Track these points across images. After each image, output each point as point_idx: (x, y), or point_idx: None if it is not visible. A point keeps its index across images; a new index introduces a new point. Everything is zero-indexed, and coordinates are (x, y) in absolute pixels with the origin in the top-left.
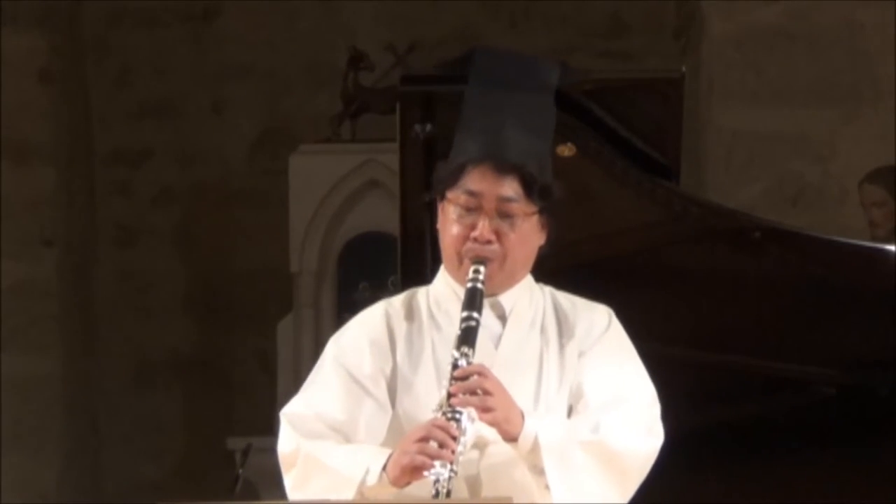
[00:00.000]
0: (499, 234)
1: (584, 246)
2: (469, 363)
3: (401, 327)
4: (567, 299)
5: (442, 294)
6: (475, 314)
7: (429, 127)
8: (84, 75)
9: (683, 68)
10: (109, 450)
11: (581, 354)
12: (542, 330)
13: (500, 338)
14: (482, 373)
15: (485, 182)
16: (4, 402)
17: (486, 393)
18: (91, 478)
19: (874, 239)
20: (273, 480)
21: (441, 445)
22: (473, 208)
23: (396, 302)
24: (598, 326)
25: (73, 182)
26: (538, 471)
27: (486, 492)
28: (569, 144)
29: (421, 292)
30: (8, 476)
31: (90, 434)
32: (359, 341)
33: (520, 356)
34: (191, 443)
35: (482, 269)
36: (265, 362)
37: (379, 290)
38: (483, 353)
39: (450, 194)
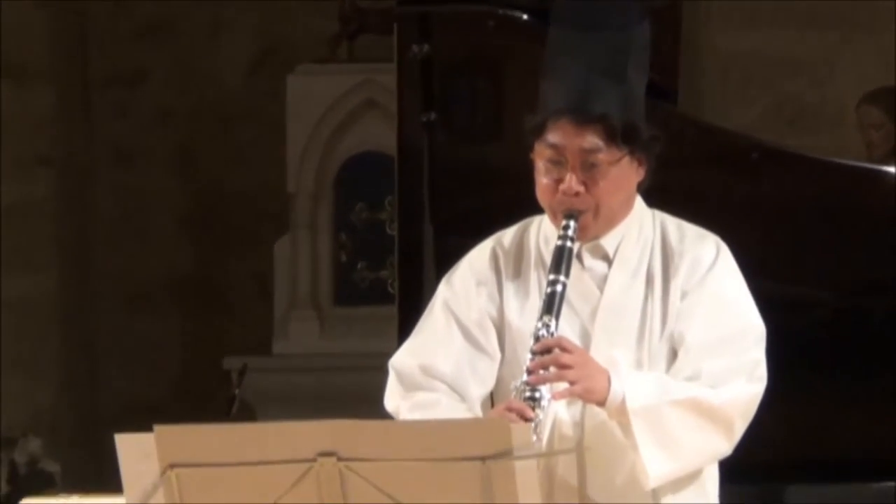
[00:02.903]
0: (587, 185)
1: None
2: (551, 333)
3: (509, 267)
4: (677, 229)
5: (550, 231)
6: (561, 277)
7: (426, 47)
8: None
9: None
10: (106, 370)
11: (684, 295)
12: (648, 270)
13: (604, 280)
14: (562, 345)
15: (566, 136)
16: (2, 325)
17: (565, 367)
18: (88, 398)
19: (872, 160)
20: (269, 400)
21: None
22: (559, 161)
23: (507, 238)
24: (704, 264)
25: (70, 103)
26: (629, 431)
27: (589, 439)
28: None
29: (534, 223)
30: (6, 395)
31: (87, 354)
32: (467, 284)
33: (624, 299)
34: (187, 363)
35: (572, 223)
36: (262, 283)
37: (376, 211)
38: (588, 296)
39: (537, 146)
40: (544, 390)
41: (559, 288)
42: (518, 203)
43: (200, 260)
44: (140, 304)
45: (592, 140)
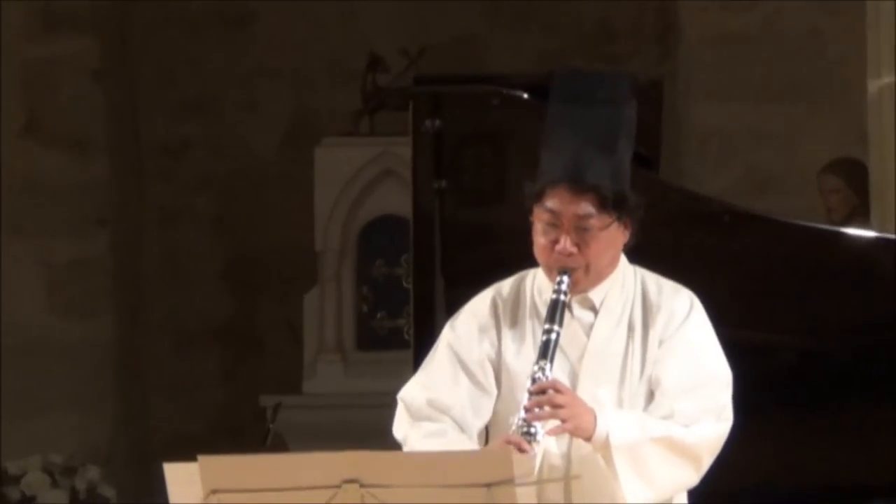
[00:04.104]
0: (580, 246)
1: None
2: (546, 377)
3: (507, 314)
4: (655, 283)
5: (544, 284)
6: (555, 327)
7: (437, 122)
8: (132, 75)
9: (663, 74)
10: (155, 408)
11: (661, 343)
12: (630, 320)
13: (591, 327)
14: (555, 387)
15: (562, 202)
16: (64, 366)
17: (558, 406)
18: (139, 431)
19: (831, 223)
20: (299, 433)
21: None
22: (555, 224)
23: (506, 288)
24: (679, 316)
25: (122, 170)
26: (611, 463)
27: (575, 468)
28: None
29: (529, 276)
30: (66, 431)
31: (138, 394)
32: (469, 327)
33: (608, 346)
34: (227, 401)
35: (566, 279)
36: (293, 330)
37: (393, 266)
38: (576, 342)
39: (535, 210)
40: (539, 426)
41: (553, 336)
42: (518, 258)
43: (238, 309)
44: (185, 347)
45: (586, 207)
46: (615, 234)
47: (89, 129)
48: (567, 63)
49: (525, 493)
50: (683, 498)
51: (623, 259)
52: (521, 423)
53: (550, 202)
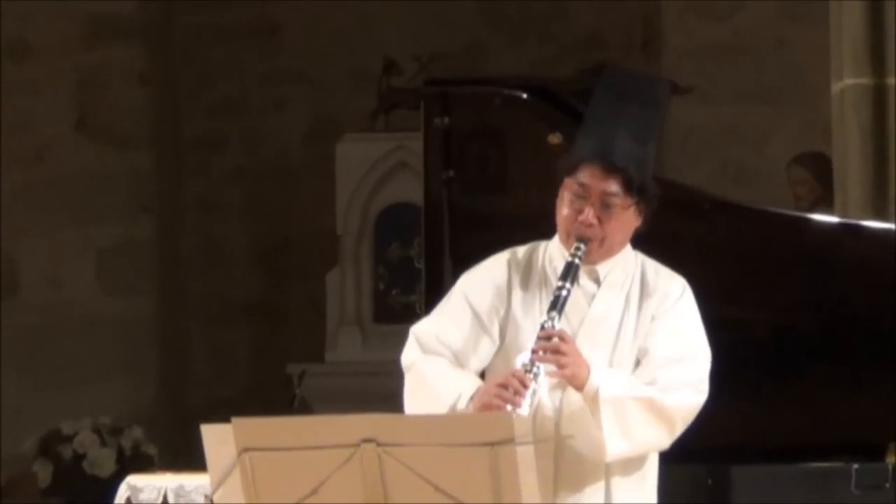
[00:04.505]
0: (601, 220)
1: None
2: (554, 326)
3: (518, 276)
4: (653, 268)
5: (555, 254)
6: (567, 284)
7: (446, 119)
8: (173, 78)
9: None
10: (193, 375)
11: (653, 318)
12: (627, 295)
13: (593, 297)
14: (562, 336)
15: (594, 178)
16: (112, 339)
17: (561, 353)
18: (179, 396)
19: (798, 210)
20: (322, 398)
21: (515, 393)
22: (582, 196)
23: (520, 252)
24: (672, 297)
25: (164, 162)
26: (597, 414)
27: (565, 420)
28: (557, 134)
29: (542, 246)
30: (114, 396)
31: (178, 363)
32: (483, 281)
33: (606, 314)
34: (257, 369)
35: (583, 246)
36: (317, 305)
37: (407, 249)
38: (578, 309)
39: (567, 181)
40: (541, 367)
41: (564, 293)
42: (518, 241)
43: (267, 287)
44: (220, 321)
45: (613, 185)
46: (631, 217)
47: (135, 126)
48: (559, 68)
49: (525, 452)
50: (656, 461)
51: (629, 244)
52: (527, 362)
53: (583, 176)
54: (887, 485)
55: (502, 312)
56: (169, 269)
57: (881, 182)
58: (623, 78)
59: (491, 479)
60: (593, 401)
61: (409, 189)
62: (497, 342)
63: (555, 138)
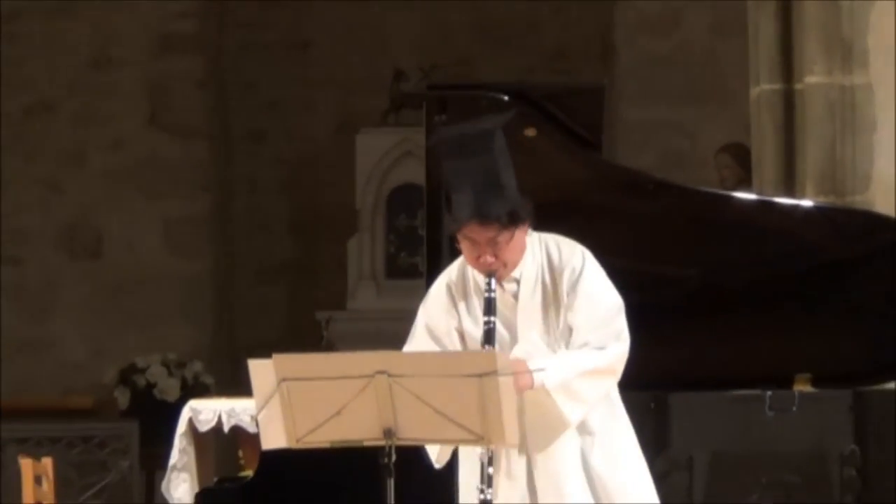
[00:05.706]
0: (496, 255)
1: (542, 193)
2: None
3: (458, 294)
4: (555, 245)
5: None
6: (493, 318)
7: (444, 117)
8: (225, 83)
9: (605, 81)
10: (241, 321)
11: (567, 294)
12: (543, 282)
13: (517, 294)
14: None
15: (475, 231)
16: (177, 291)
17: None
18: (231, 337)
19: (724, 189)
20: (345, 339)
21: None
22: (475, 243)
23: (453, 273)
24: (577, 270)
25: (218, 151)
26: (551, 399)
27: (528, 410)
28: (532, 128)
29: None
30: (179, 336)
31: (229, 310)
32: (436, 308)
33: (531, 302)
34: (292, 315)
35: (492, 280)
36: (340, 265)
37: (412, 220)
38: (508, 304)
39: (458, 236)
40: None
41: (492, 325)
42: None
43: (301, 249)
44: (263, 277)
45: (492, 232)
46: (519, 236)
47: (195, 122)
48: (532, 76)
49: (506, 382)
50: (615, 390)
51: (528, 234)
52: None
53: (468, 231)
54: (794, 408)
55: (455, 325)
56: (222, 235)
57: (790, 167)
58: (452, 142)
59: (478, 403)
60: (545, 394)
61: (414, 173)
62: (460, 349)
63: (531, 131)
